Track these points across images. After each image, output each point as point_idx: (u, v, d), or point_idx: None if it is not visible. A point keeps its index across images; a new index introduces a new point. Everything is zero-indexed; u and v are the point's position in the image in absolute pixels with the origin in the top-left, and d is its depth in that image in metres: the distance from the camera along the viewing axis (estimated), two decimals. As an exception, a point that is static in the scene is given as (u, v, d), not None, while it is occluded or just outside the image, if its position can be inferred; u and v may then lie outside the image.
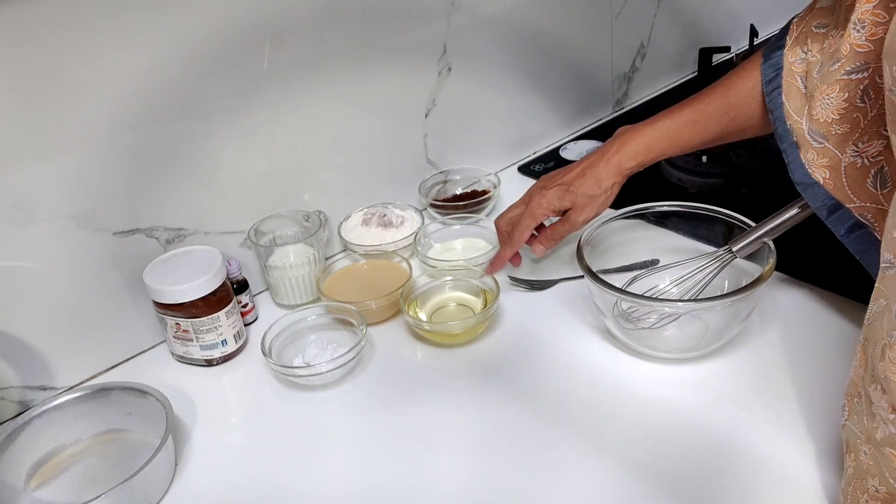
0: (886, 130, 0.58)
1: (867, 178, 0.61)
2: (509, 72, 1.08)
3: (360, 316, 0.78)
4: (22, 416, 0.69)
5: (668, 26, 1.28)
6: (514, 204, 0.84)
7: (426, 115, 1.00)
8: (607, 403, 0.69)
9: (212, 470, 0.68)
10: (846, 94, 0.59)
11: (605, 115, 1.27)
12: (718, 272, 0.74)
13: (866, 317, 0.50)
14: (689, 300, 0.72)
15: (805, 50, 0.65)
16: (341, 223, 0.94)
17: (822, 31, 0.63)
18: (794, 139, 0.65)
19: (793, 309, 0.78)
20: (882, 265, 0.48)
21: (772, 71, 0.67)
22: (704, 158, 1.02)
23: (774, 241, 0.71)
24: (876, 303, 0.48)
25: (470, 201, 0.99)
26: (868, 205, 0.62)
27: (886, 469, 0.46)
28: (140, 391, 0.70)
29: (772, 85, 0.67)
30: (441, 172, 1.04)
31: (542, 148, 1.19)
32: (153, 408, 0.68)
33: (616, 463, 0.63)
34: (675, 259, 0.79)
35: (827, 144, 0.62)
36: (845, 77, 0.58)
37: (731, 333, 0.72)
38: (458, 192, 1.04)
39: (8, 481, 0.66)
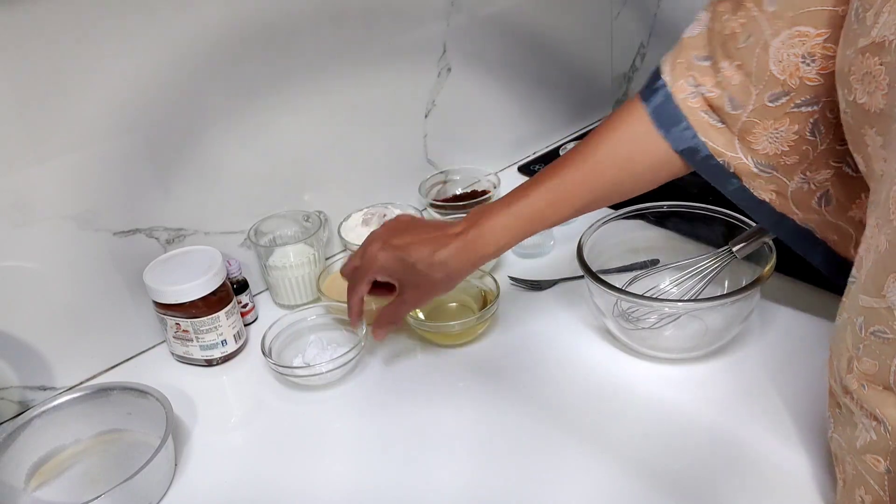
0: (835, 162, 0.58)
1: (812, 199, 0.62)
2: (509, 72, 1.08)
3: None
4: (22, 416, 0.69)
5: (668, 26, 1.28)
6: (354, 252, 0.71)
7: (426, 116, 1.00)
8: (607, 403, 0.69)
9: (212, 470, 0.68)
10: (796, 127, 0.57)
11: (605, 115, 1.27)
12: (718, 272, 0.74)
13: (833, 330, 0.51)
14: (689, 300, 0.72)
15: (692, 83, 0.62)
16: (341, 223, 0.94)
17: (706, 63, 0.61)
18: (733, 171, 0.62)
19: (793, 309, 0.78)
20: (849, 280, 0.49)
21: (663, 109, 0.63)
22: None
23: (774, 241, 0.71)
24: (840, 317, 0.50)
25: (470, 201, 0.99)
26: (811, 216, 0.63)
27: (870, 475, 0.47)
28: (140, 391, 0.70)
29: (674, 125, 0.63)
30: (441, 172, 1.04)
31: (542, 148, 1.19)
32: (153, 408, 0.68)
33: (616, 463, 0.63)
34: (675, 259, 0.79)
35: (776, 174, 0.61)
36: (795, 110, 0.57)
37: (731, 333, 0.72)
38: (458, 193, 1.04)
39: (8, 481, 0.66)
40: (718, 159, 0.62)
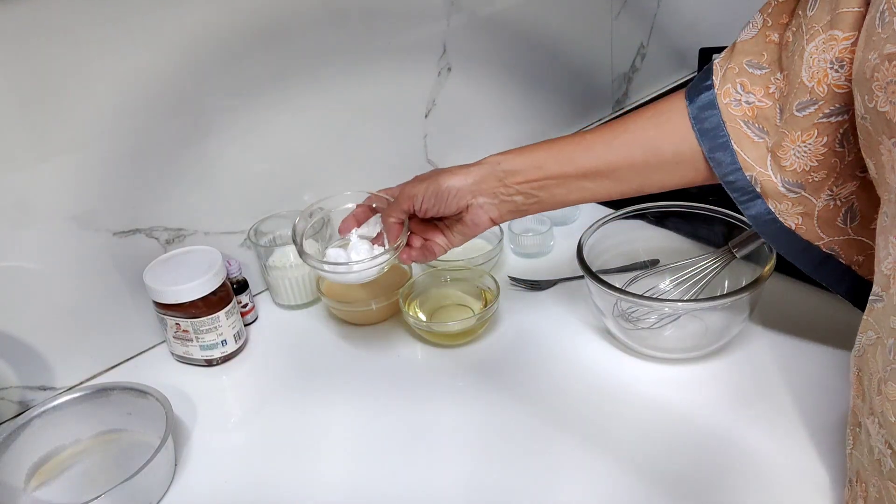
0: (861, 172, 0.56)
1: (838, 217, 0.59)
2: (509, 72, 1.08)
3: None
4: (22, 416, 0.69)
5: (668, 26, 1.28)
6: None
7: (426, 115, 1.00)
8: (607, 403, 0.69)
9: (212, 470, 0.68)
10: (825, 139, 0.55)
11: (605, 116, 1.27)
12: (718, 272, 0.74)
13: (855, 348, 0.49)
14: (689, 300, 0.72)
15: (739, 90, 0.60)
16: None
17: (759, 72, 0.59)
18: (759, 190, 0.60)
19: (793, 309, 0.78)
20: (871, 298, 0.47)
21: (706, 114, 0.61)
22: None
23: (774, 241, 0.71)
24: (865, 335, 0.48)
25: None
26: (835, 238, 0.60)
27: (892, 502, 0.46)
28: (140, 391, 0.70)
29: (711, 130, 0.61)
30: (441, 172, 1.04)
31: (542, 148, 1.19)
32: (153, 408, 0.68)
33: (616, 462, 0.63)
34: (675, 259, 0.79)
35: (804, 193, 0.59)
36: (824, 120, 0.54)
37: (731, 333, 0.72)
38: (458, 192, 1.04)
39: (8, 481, 0.66)
40: (747, 173, 0.60)
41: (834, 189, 0.58)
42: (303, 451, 0.69)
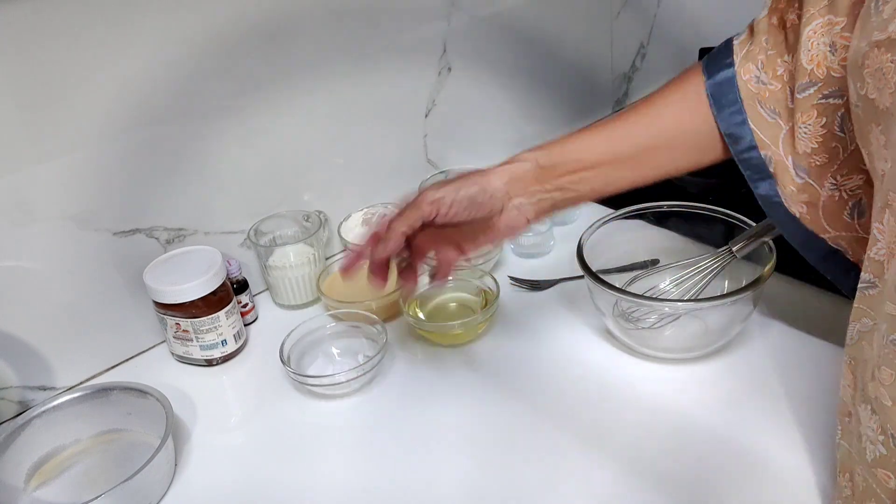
0: (865, 165, 0.55)
1: (844, 210, 0.59)
2: (509, 72, 1.08)
3: (381, 326, 0.77)
4: (22, 416, 0.69)
5: (669, 26, 1.28)
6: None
7: (426, 115, 1.00)
8: (607, 403, 0.69)
9: (212, 470, 0.68)
10: (824, 120, 0.56)
11: (605, 115, 1.27)
12: (718, 272, 0.74)
13: (848, 337, 0.49)
14: (689, 300, 0.72)
15: (759, 67, 0.60)
16: (341, 223, 0.94)
17: (770, 53, 0.60)
18: (773, 170, 0.60)
19: (793, 309, 0.78)
20: (861, 285, 0.47)
21: (723, 89, 0.61)
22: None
23: (774, 241, 0.71)
24: (859, 322, 0.48)
25: (470, 201, 0.99)
26: (842, 233, 0.60)
27: (881, 490, 0.46)
28: (140, 391, 0.70)
29: (728, 107, 0.61)
30: (441, 172, 1.04)
31: (542, 148, 1.19)
32: (153, 408, 0.68)
33: (616, 462, 0.63)
34: (675, 259, 0.79)
35: (808, 179, 0.59)
36: (822, 101, 0.55)
37: (731, 333, 0.72)
38: (458, 192, 1.04)
39: (8, 481, 0.66)
40: (762, 152, 0.60)
41: (838, 178, 0.58)
42: (303, 451, 0.69)
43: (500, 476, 0.63)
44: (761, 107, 0.60)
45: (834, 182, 0.58)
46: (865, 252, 0.59)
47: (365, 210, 0.96)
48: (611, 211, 0.80)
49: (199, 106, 0.78)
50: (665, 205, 0.80)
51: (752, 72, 0.61)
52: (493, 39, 1.03)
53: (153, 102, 0.75)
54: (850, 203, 0.58)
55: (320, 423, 0.72)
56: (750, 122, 0.60)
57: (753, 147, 0.60)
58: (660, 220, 0.83)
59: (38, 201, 0.71)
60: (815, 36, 0.54)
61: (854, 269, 0.61)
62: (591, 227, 0.79)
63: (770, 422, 0.65)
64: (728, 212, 0.77)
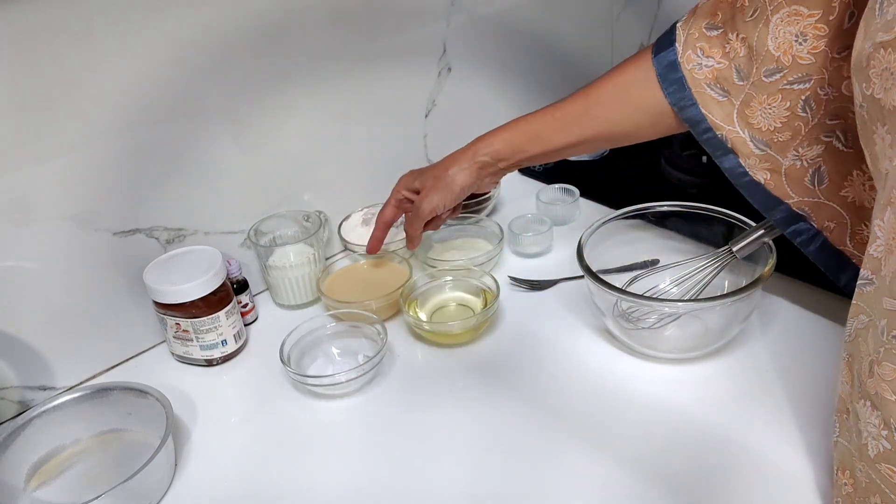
0: (826, 137, 0.61)
1: (805, 177, 0.64)
2: (509, 72, 1.08)
3: (381, 326, 0.77)
4: (22, 416, 0.69)
5: (668, 27, 1.28)
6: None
7: (426, 115, 1.00)
8: (607, 403, 0.69)
9: (212, 470, 0.68)
10: (788, 104, 0.61)
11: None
12: (718, 272, 0.74)
13: (846, 333, 0.50)
14: (689, 300, 0.72)
15: (699, 54, 0.66)
16: (341, 223, 0.94)
17: (714, 33, 0.64)
18: (731, 146, 0.66)
19: (793, 309, 0.78)
20: (859, 282, 0.48)
21: (672, 75, 0.67)
22: (705, 159, 1.02)
23: (774, 241, 0.71)
24: (857, 319, 0.48)
25: (470, 201, 0.99)
26: (805, 198, 0.65)
27: (885, 485, 0.46)
28: (140, 391, 0.70)
29: (679, 95, 0.67)
30: (441, 172, 1.04)
31: (542, 148, 1.19)
32: (153, 408, 0.68)
33: (616, 462, 0.63)
34: (675, 259, 0.79)
35: (769, 151, 0.64)
36: (788, 87, 0.60)
37: (731, 333, 0.72)
38: (458, 192, 1.04)
39: (8, 481, 0.66)
40: (717, 133, 0.66)
41: (800, 150, 0.63)
42: (302, 451, 0.69)
43: (499, 475, 0.63)
44: (710, 88, 0.65)
45: (796, 153, 0.63)
46: (827, 219, 0.65)
47: (365, 210, 0.96)
48: (611, 211, 0.80)
49: (198, 106, 0.78)
50: (665, 205, 0.80)
51: (694, 60, 0.66)
52: (493, 40, 1.03)
53: (153, 102, 0.75)
54: (810, 171, 0.64)
55: (320, 423, 0.72)
56: (701, 108, 0.66)
57: (709, 128, 0.66)
58: (660, 220, 0.83)
59: (37, 201, 0.71)
60: (782, 25, 0.58)
61: (820, 239, 0.66)
62: (591, 227, 0.79)
63: (770, 421, 0.65)
64: (728, 212, 0.77)
